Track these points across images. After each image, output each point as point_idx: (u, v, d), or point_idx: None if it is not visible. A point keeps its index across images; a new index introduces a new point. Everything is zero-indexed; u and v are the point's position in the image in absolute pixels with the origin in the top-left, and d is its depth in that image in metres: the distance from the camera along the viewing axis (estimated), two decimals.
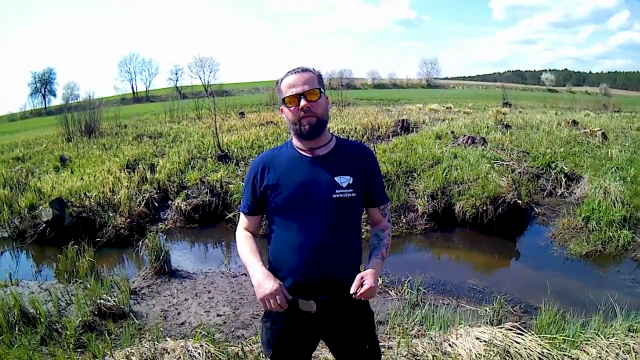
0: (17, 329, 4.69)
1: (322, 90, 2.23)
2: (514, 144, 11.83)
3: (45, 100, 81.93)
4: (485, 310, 4.90)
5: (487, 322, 4.51)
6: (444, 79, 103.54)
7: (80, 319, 4.78)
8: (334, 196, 2.18)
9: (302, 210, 2.21)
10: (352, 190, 2.19)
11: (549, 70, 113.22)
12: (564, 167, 9.95)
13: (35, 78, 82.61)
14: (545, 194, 9.37)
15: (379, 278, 2.24)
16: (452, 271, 6.72)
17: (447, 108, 23.05)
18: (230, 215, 8.61)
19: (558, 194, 9.36)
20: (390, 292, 5.52)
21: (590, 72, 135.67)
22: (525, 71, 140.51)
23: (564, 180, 9.64)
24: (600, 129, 13.44)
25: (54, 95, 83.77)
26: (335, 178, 2.20)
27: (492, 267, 7.05)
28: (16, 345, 4.38)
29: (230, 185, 9.29)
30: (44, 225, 8.14)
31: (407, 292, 5.43)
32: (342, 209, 2.20)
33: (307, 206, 2.20)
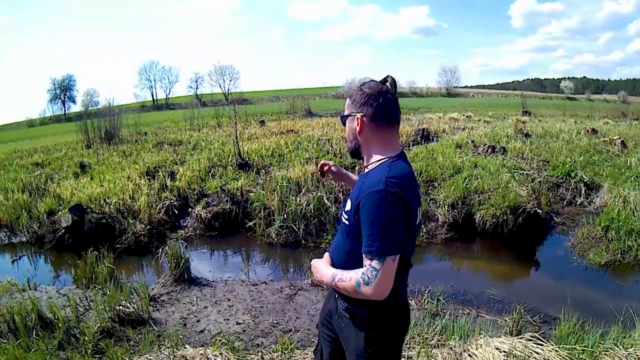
0: (34, 333, 4.74)
1: (349, 115, 2.24)
2: (533, 153, 11.91)
3: (64, 107, 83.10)
4: (505, 320, 4.93)
5: (506, 332, 4.55)
6: (464, 87, 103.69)
7: (98, 324, 4.82)
8: (340, 216, 2.28)
9: None
10: (347, 218, 2.17)
11: (568, 78, 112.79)
12: (584, 176, 10.04)
13: (54, 84, 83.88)
14: (564, 203, 9.49)
15: (318, 274, 2.27)
16: (472, 281, 6.77)
17: (467, 117, 22.95)
18: (251, 223, 8.64)
19: (577, 203, 9.49)
20: (410, 301, 5.47)
21: (608, 79, 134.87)
22: (544, 79, 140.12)
23: (583, 189, 9.75)
24: (619, 137, 13.51)
25: (74, 102, 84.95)
26: (348, 199, 2.22)
27: (511, 277, 7.07)
28: (33, 350, 4.43)
29: (250, 194, 9.31)
30: (63, 230, 8.24)
31: (427, 302, 5.46)
32: (343, 231, 2.22)
33: None
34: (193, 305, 5.57)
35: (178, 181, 10.40)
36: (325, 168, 2.80)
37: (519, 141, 13.50)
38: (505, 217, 7.95)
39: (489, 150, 11.76)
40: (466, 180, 9.17)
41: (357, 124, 2.18)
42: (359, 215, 2.03)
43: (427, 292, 5.64)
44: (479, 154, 11.66)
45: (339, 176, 2.84)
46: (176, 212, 9.26)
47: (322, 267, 2.25)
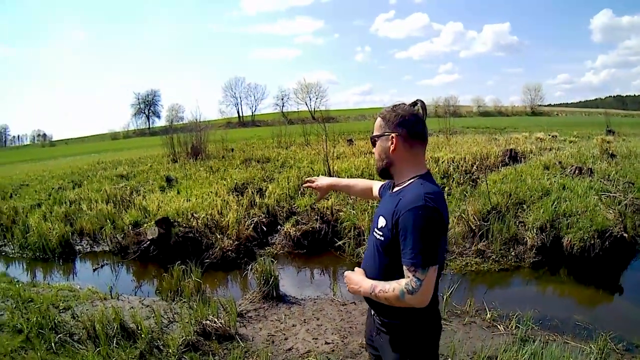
0: (114, 342, 4.83)
1: (381, 135, 2.39)
2: (619, 174, 11.48)
3: (149, 121, 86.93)
4: (590, 348, 4.80)
5: None
6: (547, 105, 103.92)
7: (183, 337, 4.87)
8: (373, 233, 2.39)
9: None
10: (381, 234, 2.29)
11: None
12: None
13: (138, 99, 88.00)
14: None
15: (354, 285, 2.41)
16: (558, 306, 6.60)
17: (552, 137, 22.41)
18: (340, 242, 8.59)
19: None
20: (499, 326, 5.43)
21: None
22: (626, 96, 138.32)
23: None
24: None
25: (158, 116, 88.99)
26: (380, 217, 2.34)
27: (596, 303, 6.83)
28: (113, 359, 4.48)
29: (340, 213, 9.29)
30: (148, 242, 8.45)
31: (515, 327, 5.37)
32: (377, 248, 2.35)
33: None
34: (281, 323, 5.55)
35: (267, 198, 10.55)
36: (314, 185, 3.25)
37: (604, 162, 13.19)
38: (592, 241, 7.76)
39: (576, 171, 11.65)
40: (554, 203, 8.98)
41: (392, 143, 2.35)
42: (398, 231, 2.17)
43: (514, 316, 5.57)
44: (566, 175, 11.52)
45: (338, 189, 3.36)
46: (264, 229, 9.35)
47: (358, 278, 2.41)
